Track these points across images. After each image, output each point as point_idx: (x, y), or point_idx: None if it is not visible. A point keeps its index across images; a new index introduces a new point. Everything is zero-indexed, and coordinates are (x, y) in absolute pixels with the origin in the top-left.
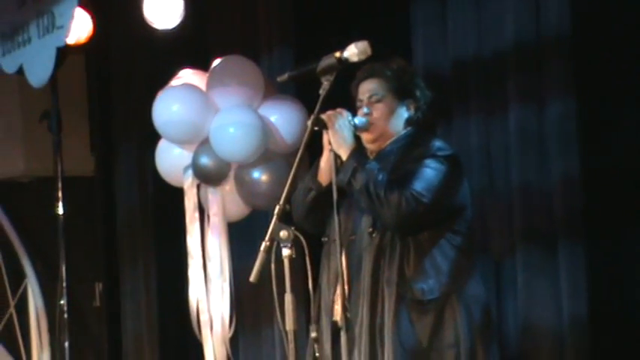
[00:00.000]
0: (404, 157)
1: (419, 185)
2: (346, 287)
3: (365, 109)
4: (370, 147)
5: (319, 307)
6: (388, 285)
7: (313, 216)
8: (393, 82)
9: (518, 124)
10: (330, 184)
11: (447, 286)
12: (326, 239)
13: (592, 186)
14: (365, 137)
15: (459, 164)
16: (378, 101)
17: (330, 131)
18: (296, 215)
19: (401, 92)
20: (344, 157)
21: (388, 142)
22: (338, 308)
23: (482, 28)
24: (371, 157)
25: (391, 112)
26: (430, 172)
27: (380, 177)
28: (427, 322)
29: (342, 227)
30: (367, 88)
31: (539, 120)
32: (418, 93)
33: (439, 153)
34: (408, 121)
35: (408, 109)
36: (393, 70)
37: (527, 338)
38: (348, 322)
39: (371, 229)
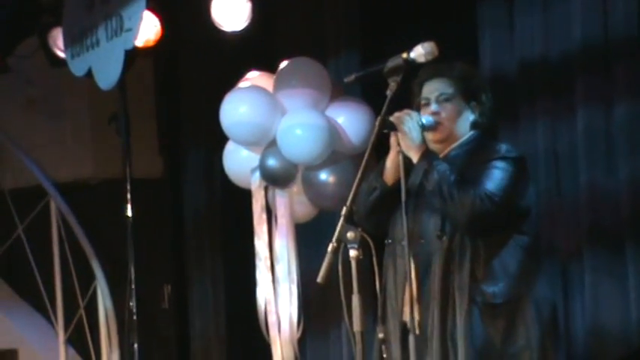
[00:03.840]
0: (471, 161)
1: (490, 185)
2: (415, 290)
3: (433, 107)
4: (435, 147)
5: (384, 308)
6: (460, 289)
7: (375, 216)
8: (461, 84)
9: (586, 126)
10: (394, 184)
11: (517, 288)
12: (390, 241)
13: None
14: (431, 137)
15: (526, 166)
16: (447, 100)
17: (399, 133)
18: (357, 215)
19: (468, 94)
20: (414, 158)
21: (453, 144)
22: (407, 310)
23: (549, 29)
24: None
25: (459, 114)
26: (499, 173)
27: (452, 178)
28: (499, 325)
29: (409, 230)
30: (435, 87)
31: (607, 121)
32: (483, 97)
33: (508, 155)
34: (473, 124)
35: (473, 112)
36: (461, 72)
37: (594, 340)
38: (419, 325)
39: (439, 233)
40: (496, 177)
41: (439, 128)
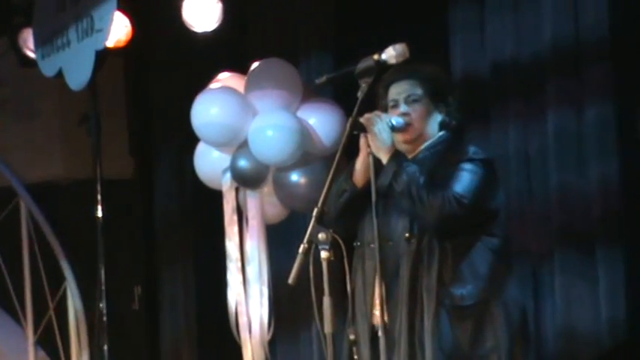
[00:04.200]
0: (440, 162)
1: (459, 187)
2: (383, 292)
3: (403, 107)
4: (404, 148)
5: (354, 310)
6: (427, 291)
7: (345, 218)
8: (429, 85)
9: (557, 128)
10: (364, 186)
11: (486, 291)
12: (358, 244)
13: (630, 189)
14: (401, 138)
15: (494, 168)
16: (415, 101)
17: (369, 134)
18: (328, 216)
19: (436, 95)
20: (384, 160)
21: (422, 146)
22: (376, 313)
23: (520, 31)
24: None
25: (428, 115)
26: (468, 175)
27: (421, 180)
28: (467, 328)
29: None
30: (404, 89)
31: (578, 123)
32: (450, 98)
33: (475, 156)
34: (442, 125)
35: (441, 113)
36: (430, 73)
37: (564, 341)
38: (387, 327)
39: (408, 235)
40: (464, 179)
41: (409, 129)
